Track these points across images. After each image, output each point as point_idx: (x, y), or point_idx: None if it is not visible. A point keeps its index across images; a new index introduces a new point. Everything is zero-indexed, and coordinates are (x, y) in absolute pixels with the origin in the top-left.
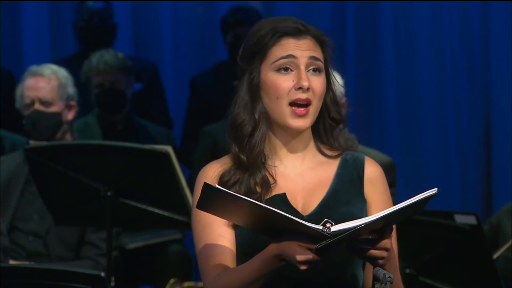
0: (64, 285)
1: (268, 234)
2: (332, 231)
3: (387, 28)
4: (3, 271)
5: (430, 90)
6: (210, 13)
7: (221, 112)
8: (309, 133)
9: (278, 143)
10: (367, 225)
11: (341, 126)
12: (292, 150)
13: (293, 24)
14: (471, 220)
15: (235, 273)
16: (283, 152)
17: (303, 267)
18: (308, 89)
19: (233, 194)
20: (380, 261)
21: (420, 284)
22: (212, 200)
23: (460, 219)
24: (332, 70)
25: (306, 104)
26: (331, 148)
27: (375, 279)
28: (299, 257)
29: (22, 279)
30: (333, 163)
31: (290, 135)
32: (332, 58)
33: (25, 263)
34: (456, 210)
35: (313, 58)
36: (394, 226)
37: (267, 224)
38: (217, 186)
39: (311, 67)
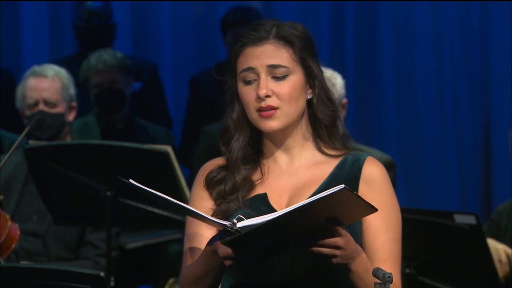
0: (64, 285)
1: None
2: (238, 227)
3: (387, 28)
4: (3, 271)
5: (430, 89)
6: (210, 13)
7: (221, 112)
8: (303, 132)
9: (271, 145)
10: (273, 221)
11: (338, 124)
12: (286, 149)
13: (255, 32)
14: (470, 220)
15: (190, 268)
16: (277, 151)
17: (227, 263)
18: (268, 96)
19: (142, 187)
20: (334, 260)
21: (419, 284)
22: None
23: (460, 219)
24: (317, 67)
25: (271, 108)
26: (333, 147)
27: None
28: (219, 253)
29: (22, 279)
30: (332, 163)
31: (274, 136)
32: (312, 52)
33: (25, 263)
34: (456, 210)
35: (271, 66)
36: (393, 227)
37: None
38: (131, 181)
39: (271, 74)
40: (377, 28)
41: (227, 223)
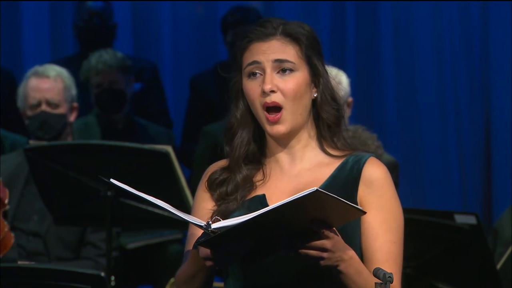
0: (64, 285)
1: None
2: (213, 228)
3: (387, 28)
4: (3, 271)
5: (430, 90)
6: (210, 13)
7: (221, 112)
8: (307, 132)
9: (273, 144)
10: (247, 223)
11: (342, 124)
12: (289, 150)
13: (262, 28)
14: (471, 220)
15: (183, 267)
16: (279, 151)
17: (207, 263)
18: (273, 91)
19: (122, 186)
20: (322, 262)
21: (420, 284)
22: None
23: (460, 219)
24: (323, 66)
25: (276, 107)
26: (336, 147)
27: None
28: (199, 254)
29: (22, 279)
30: (334, 165)
31: (279, 138)
32: (318, 51)
33: (25, 263)
34: (456, 210)
35: (278, 61)
36: (393, 229)
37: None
38: (112, 180)
39: (277, 70)
40: (377, 28)
41: (202, 223)
